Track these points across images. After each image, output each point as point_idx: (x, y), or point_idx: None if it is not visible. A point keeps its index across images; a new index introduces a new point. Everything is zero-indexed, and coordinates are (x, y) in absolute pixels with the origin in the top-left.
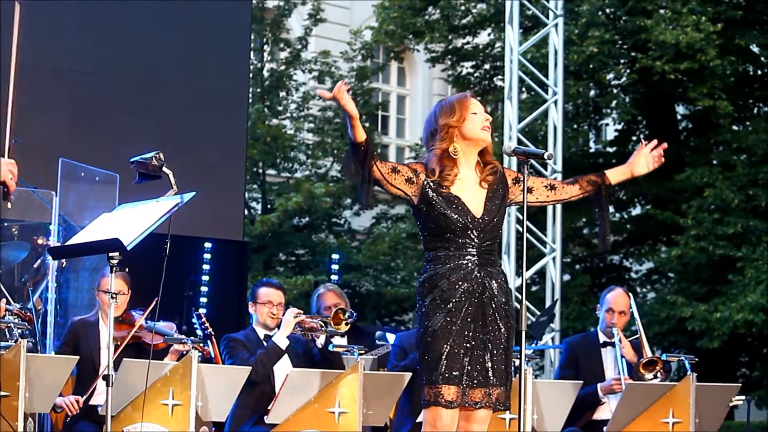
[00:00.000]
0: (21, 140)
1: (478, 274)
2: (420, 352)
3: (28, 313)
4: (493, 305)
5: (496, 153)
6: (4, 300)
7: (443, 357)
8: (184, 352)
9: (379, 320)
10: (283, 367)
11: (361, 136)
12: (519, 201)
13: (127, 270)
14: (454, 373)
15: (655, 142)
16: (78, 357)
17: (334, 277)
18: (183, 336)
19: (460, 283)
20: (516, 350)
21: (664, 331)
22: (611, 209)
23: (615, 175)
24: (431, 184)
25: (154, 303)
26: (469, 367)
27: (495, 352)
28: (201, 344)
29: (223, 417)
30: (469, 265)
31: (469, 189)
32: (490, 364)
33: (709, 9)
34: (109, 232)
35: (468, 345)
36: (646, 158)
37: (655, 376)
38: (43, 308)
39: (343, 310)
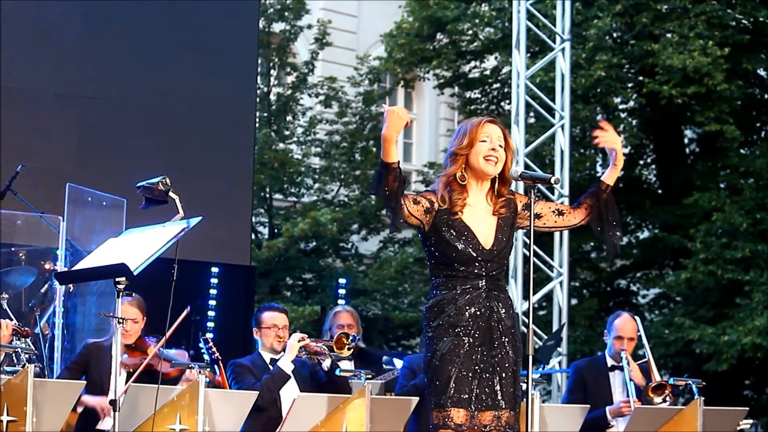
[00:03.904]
0: (28, 165)
1: (486, 299)
2: (428, 377)
3: (26, 328)
4: (501, 329)
5: None
6: (10, 324)
7: (452, 380)
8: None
9: (386, 345)
10: (290, 391)
11: (394, 156)
12: (527, 226)
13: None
14: (463, 396)
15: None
16: (85, 382)
17: (341, 302)
18: (190, 361)
19: (467, 307)
20: (523, 374)
21: (671, 353)
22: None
23: (608, 176)
24: (443, 213)
25: (171, 332)
26: (478, 390)
27: (503, 375)
28: (209, 370)
29: None
30: (477, 290)
31: (479, 217)
32: (498, 387)
33: (716, 33)
34: (116, 257)
35: (476, 368)
36: (604, 139)
37: (664, 400)
38: (51, 333)
39: (346, 335)
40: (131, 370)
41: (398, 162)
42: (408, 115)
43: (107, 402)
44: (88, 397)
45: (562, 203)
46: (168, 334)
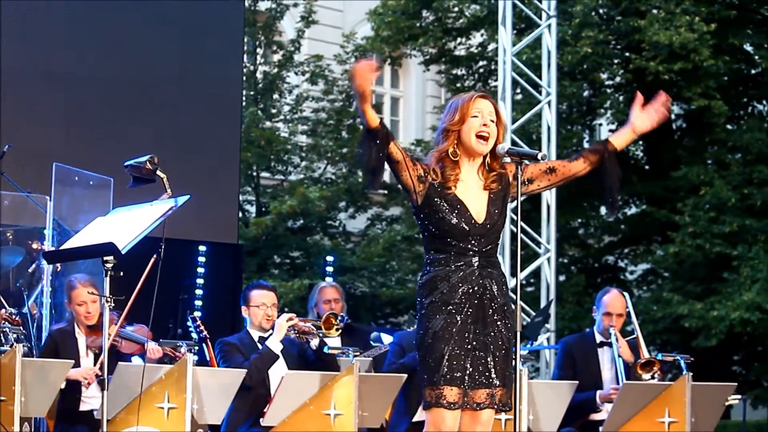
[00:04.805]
0: (15, 144)
1: (479, 276)
2: (421, 354)
3: (17, 318)
4: (494, 306)
5: None
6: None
7: (444, 358)
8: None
9: (374, 322)
10: (278, 370)
11: (374, 120)
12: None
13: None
14: (456, 374)
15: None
16: (72, 361)
17: (328, 279)
18: (150, 337)
19: (460, 285)
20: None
21: (659, 329)
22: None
23: (619, 139)
24: (436, 186)
25: (127, 309)
26: (471, 369)
27: (497, 353)
28: (196, 347)
29: (219, 420)
30: (470, 267)
31: (471, 192)
32: (492, 365)
33: (702, 9)
34: (104, 236)
35: (469, 346)
36: (647, 113)
37: (653, 377)
38: (38, 313)
39: (334, 315)
40: (97, 351)
41: (380, 121)
42: (373, 62)
43: (88, 371)
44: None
45: (551, 160)
46: (123, 315)
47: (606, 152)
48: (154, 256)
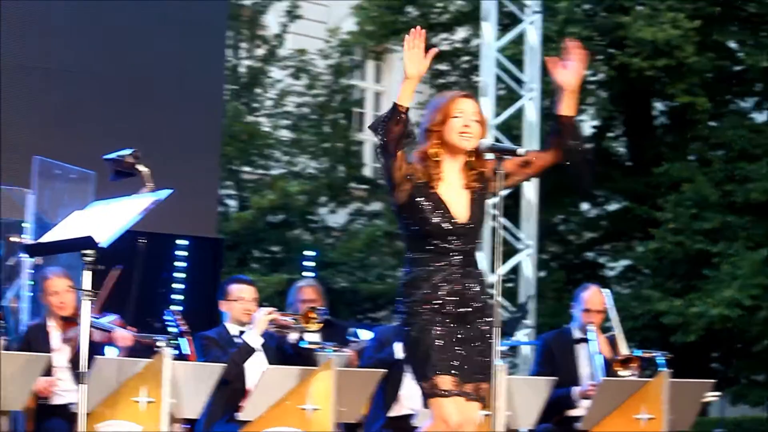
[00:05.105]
0: None
1: (460, 276)
2: (408, 351)
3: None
4: (474, 306)
5: None
6: None
7: (431, 349)
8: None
9: (353, 317)
10: (258, 365)
11: (405, 101)
12: (498, 190)
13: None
14: (445, 363)
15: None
16: (50, 355)
17: (309, 274)
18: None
19: (442, 284)
20: None
21: (639, 326)
22: (587, 204)
23: (564, 107)
24: (419, 185)
25: (101, 299)
26: (457, 362)
27: (479, 349)
28: (175, 341)
29: (197, 414)
30: (451, 267)
31: (453, 191)
32: (476, 360)
33: (687, 6)
34: (84, 229)
35: (453, 341)
36: (567, 68)
37: (632, 374)
38: (18, 306)
39: (314, 309)
40: (74, 344)
41: (406, 109)
42: (421, 44)
43: (46, 386)
44: None
45: (527, 152)
46: (99, 302)
47: (562, 126)
48: (112, 270)
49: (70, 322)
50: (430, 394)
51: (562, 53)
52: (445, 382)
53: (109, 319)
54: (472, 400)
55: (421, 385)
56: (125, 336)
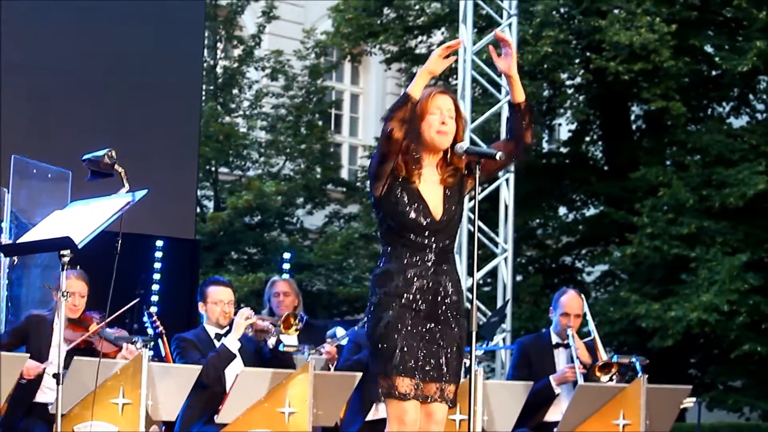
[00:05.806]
0: None
1: (434, 273)
2: (372, 343)
3: None
4: (447, 303)
5: None
6: None
7: (397, 348)
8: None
9: (330, 320)
10: (235, 367)
11: (416, 94)
12: (472, 190)
13: (78, 268)
14: (409, 364)
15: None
16: (28, 354)
17: (285, 276)
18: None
19: (415, 279)
20: (466, 351)
21: (616, 331)
22: (564, 209)
23: (513, 94)
24: (400, 179)
25: (114, 316)
26: (422, 362)
27: (449, 350)
28: (152, 342)
29: (174, 416)
30: (426, 263)
31: (430, 187)
32: (443, 361)
33: (663, 10)
34: (61, 229)
35: (422, 340)
36: (503, 55)
37: (611, 379)
38: None
39: (294, 315)
40: (68, 345)
41: (417, 100)
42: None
43: (30, 368)
44: None
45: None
46: (111, 317)
47: (518, 112)
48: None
49: (76, 325)
50: (387, 393)
51: (499, 44)
52: (404, 384)
53: (114, 331)
54: (434, 402)
55: (379, 380)
56: (133, 352)
